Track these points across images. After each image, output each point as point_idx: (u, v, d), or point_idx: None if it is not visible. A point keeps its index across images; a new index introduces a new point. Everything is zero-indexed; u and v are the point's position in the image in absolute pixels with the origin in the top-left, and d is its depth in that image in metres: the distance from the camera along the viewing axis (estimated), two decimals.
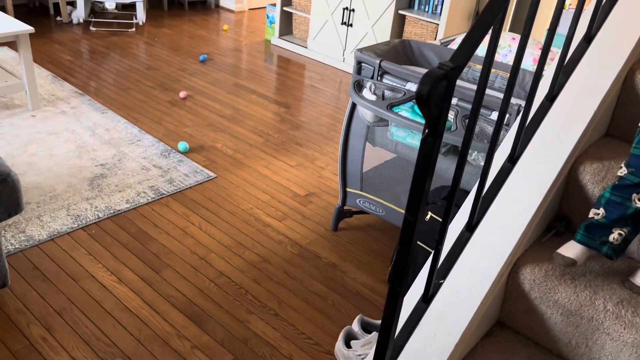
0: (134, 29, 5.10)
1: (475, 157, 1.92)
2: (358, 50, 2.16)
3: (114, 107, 3.55)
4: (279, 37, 5.09)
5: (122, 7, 5.56)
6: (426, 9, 4.19)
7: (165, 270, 2.21)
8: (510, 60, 2.29)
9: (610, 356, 1.23)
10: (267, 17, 5.16)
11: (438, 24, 4.02)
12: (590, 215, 1.30)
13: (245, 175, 2.94)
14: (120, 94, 3.77)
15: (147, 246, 2.33)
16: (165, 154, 3.05)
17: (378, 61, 2.09)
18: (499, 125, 1.20)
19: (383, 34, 4.27)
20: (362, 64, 2.15)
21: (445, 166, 2.06)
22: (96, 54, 4.46)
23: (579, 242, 1.30)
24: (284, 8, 4.99)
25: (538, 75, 1.29)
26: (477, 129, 1.92)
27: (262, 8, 6.22)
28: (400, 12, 4.18)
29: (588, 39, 1.47)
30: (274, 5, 5.06)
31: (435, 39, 4.02)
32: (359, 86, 2.14)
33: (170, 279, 2.16)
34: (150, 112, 3.54)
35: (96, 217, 2.47)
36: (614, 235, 1.26)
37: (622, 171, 1.26)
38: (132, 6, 5.50)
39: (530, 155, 1.39)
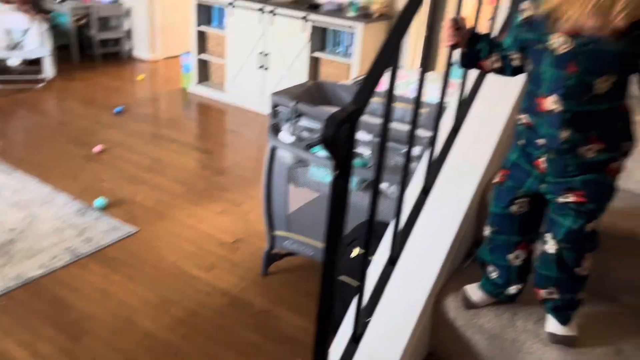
0: (42, 84, 4.90)
1: (394, 190, 1.97)
2: (273, 94, 2.19)
3: (23, 166, 3.35)
4: (196, 84, 5.06)
5: (28, 62, 5.34)
6: (338, 50, 4.33)
7: (86, 337, 2.06)
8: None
9: None
10: (183, 65, 5.13)
11: (351, 64, 4.16)
12: (489, 274, 1.34)
13: (168, 227, 2.84)
14: (29, 152, 3.58)
15: (64, 313, 2.18)
16: (81, 212, 2.90)
17: (293, 103, 2.12)
18: (407, 159, 1.24)
19: (299, 75, 4.35)
20: (278, 107, 2.18)
21: (367, 201, 2.09)
22: (1, 113, 4.23)
23: (481, 288, 1.36)
24: (199, 55, 4.99)
25: (440, 107, 1.35)
26: (392, 162, 1.97)
27: (177, 56, 6.19)
28: (314, 54, 4.30)
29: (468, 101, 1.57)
30: (189, 53, 5.05)
31: (349, 78, 4.15)
32: (276, 129, 2.15)
33: (91, 347, 2.02)
34: (64, 169, 3.37)
35: (5, 287, 2.28)
36: (511, 289, 1.33)
37: (487, 231, 1.31)
38: (39, 61, 5.30)
39: (442, 185, 1.44)
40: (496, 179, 1.27)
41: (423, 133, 1.92)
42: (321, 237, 2.34)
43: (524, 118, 1.18)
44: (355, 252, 2.05)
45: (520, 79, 1.55)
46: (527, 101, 1.16)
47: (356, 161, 2.02)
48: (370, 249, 1.24)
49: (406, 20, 1.01)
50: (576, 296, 1.24)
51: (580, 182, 1.15)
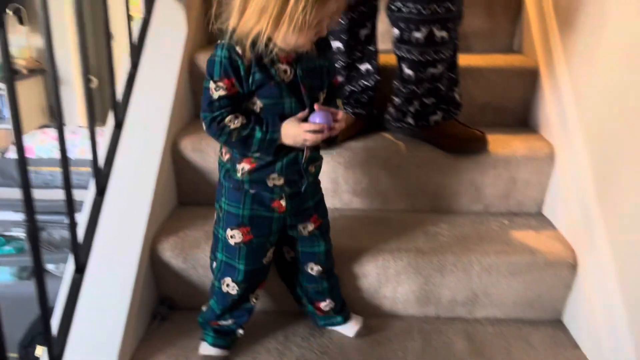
0: None
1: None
2: None
3: None
4: None
5: None
6: None
7: None
8: (77, 154, 2.19)
9: None
10: None
11: (7, 129, 3.63)
12: (223, 326, 1.28)
13: None
14: None
15: None
16: None
17: None
18: (34, 231, 1.06)
19: None
20: None
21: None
22: None
23: (214, 345, 1.28)
24: None
25: (66, 168, 1.20)
26: (57, 237, 1.73)
27: None
28: None
29: (118, 124, 1.47)
30: None
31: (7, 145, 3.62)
32: None
33: None
34: None
35: None
36: (240, 330, 1.30)
37: (231, 289, 1.24)
38: None
39: (100, 257, 1.29)
40: (237, 240, 1.18)
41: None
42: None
43: (244, 165, 1.14)
44: (40, 350, 1.73)
45: (161, 131, 1.51)
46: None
47: (8, 249, 1.70)
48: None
49: None
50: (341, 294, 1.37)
51: (313, 206, 1.24)
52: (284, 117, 1.10)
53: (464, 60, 1.67)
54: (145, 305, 1.37)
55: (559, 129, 1.56)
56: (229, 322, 1.28)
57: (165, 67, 1.59)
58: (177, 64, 1.61)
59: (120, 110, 1.47)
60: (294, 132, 1.08)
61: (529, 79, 1.75)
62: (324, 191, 1.31)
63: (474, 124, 1.64)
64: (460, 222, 1.57)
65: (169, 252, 1.40)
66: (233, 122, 1.08)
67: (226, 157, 1.17)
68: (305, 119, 1.10)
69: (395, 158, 1.57)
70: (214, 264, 1.28)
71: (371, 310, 1.45)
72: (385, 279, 1.42)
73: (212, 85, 1.06)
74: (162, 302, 1.45)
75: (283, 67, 1.07)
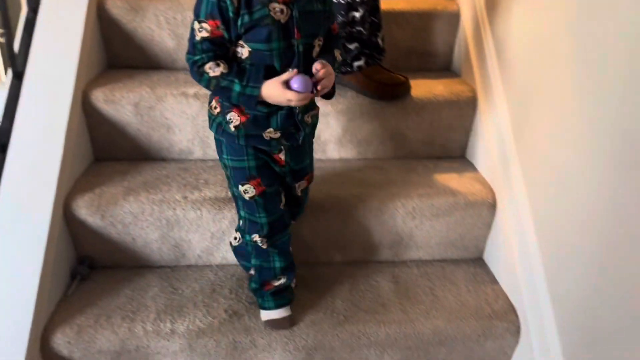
0: None
1: None
2: None
3: None
4: None
5: None
6: None
7: None
8: None
9: None
10: None
11: None
12: (276, 283, 1.25)
13: None
14: None
15: None
16: None
17: None
18: None
19: None
20: None
21: None
22: None
23: (280, 306, 1.26)
24: None
25: None
26: None
27: None
28: None
29: (18, 75, 1.35)
30: None
31: None
32: None
33: None
34: None
35: None
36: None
37: (263, 244, 1.20)
38: None
39: (5, 217, 1.21)
40: (251, 194, 1.13)
41: None
42: None
43: (234, 115, 1.08)
44: None
45: (68, 81, 1.40)
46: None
47: None
48: None
49: None
50: None
51: (309, 165, 1.22)
52: (270, 71, 1.01)
53: (387, 4, 1.64)
54: (63, 265, 1.31)
55: (480, 73, 1.58)
56: (283, 279, 1.26)
57: (70, 12, 1.47)
58: (83, 8, 1.48)
59: (19, 61, 1.35)
60: (276, 94, 1.00)
61: (453, 23, 1.75)
62: None
63: (398, 70, 1.62)
64: (386, 167, 1.58)
65: (85, 210, 1.33)
66: (213, 70, 1.01)
67: (216, 110, 1.11)
68: (288, 81, 1.00)
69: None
70: (241, 223, 1.22)
71: (300, 259, 1.45)
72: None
73: (196, 25, 0.99)
74: (82, 261, 1.39)
75: (279, 6, 0.99)
